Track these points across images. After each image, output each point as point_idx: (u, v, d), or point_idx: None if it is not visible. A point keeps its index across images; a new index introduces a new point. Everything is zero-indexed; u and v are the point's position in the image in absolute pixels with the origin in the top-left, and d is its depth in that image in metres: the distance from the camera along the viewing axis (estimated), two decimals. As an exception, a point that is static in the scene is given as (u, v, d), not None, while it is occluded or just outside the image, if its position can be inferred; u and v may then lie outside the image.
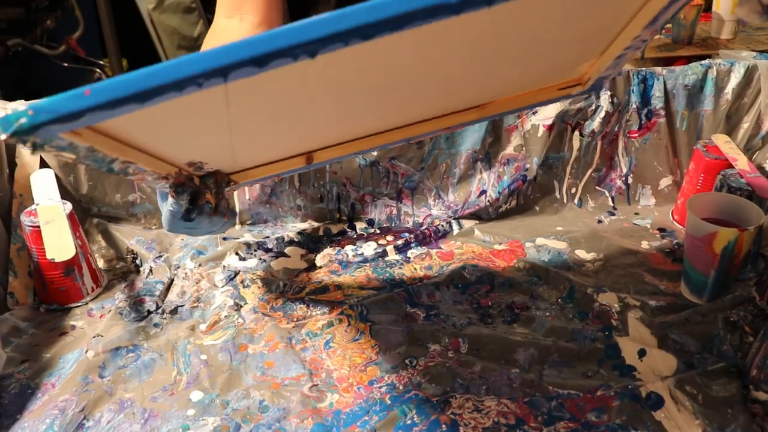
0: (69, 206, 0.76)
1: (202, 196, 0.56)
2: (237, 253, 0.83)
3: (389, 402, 0.60)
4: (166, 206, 0.57)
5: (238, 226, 0.90)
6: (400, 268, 0.80)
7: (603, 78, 0.59)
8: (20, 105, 0.82)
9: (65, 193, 0.85)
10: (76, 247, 0.70)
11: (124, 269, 0.83)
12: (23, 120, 0.33)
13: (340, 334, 0.69)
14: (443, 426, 0.57)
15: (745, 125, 0.88)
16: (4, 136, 0.33)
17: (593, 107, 0.87)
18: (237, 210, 0.89)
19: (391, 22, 0.33)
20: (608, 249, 0.82)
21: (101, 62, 2.14)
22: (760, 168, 0.83)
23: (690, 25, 1.71)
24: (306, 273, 0.81)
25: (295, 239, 0.86)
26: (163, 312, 0.74)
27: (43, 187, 0.77)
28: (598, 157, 0.90)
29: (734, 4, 1.72)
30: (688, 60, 1.67)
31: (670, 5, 0.45)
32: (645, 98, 0.87)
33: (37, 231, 0.72)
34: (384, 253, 0.83)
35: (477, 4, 0.33)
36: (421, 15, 0.33)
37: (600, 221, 0.88)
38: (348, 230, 0.89)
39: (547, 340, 0.67)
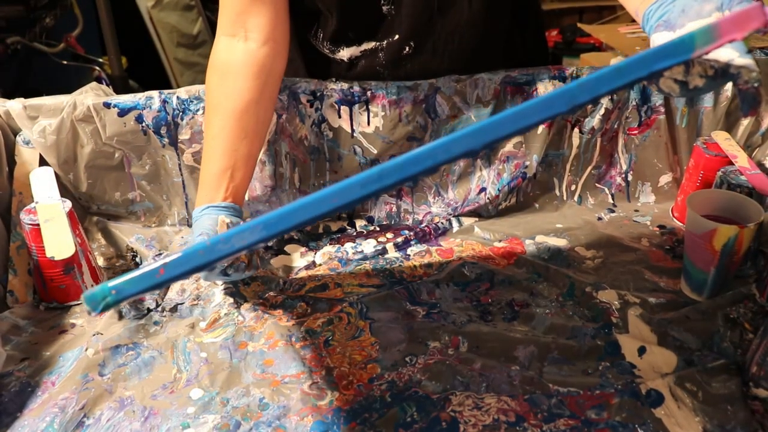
0: (68, 204, 0.76)
1: (238, 258, 0.66)
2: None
3: (389, 399, 0.60)
4: None
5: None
6: (400, 265, 0.80)
7: None
8: (17, 102, 0.82)
9: (65, 191, 0.85)
10: (75, 245, 0.70)
11: (123, 267, 0.83)
12: (108, 299, 0.38)
13: (340, 331, 0.69)
14: (443, 423, 0.57)
15: (745, 122, 0.87)
16: (94, 314, 0.39)
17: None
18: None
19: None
20: (608, 246, 0.82)
21: (100, 60, 2.14)
22: (760, 165, 0.83)
23: (690, 21, 1.71)
24: (306, 270, 0.81)
25: (295, 237, 0.86)
26: (163, 310, 0.74)
27: (42, 185, 0.77)
28: (597, 154, 0.89)
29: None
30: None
31: None
32: (645, 95, 0.87)
33: (36, 229, 0.71)
34: (384, 251, 0.83)
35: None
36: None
37: (600, 218, 0.88)
38: (348, 228, 0.89)
39: (547, 337, 0.67)
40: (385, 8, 0.78)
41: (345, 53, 0.82)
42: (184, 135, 0.85)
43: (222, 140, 0.73)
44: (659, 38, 0.53)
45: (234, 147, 0.73)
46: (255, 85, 0.74)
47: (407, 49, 0.81)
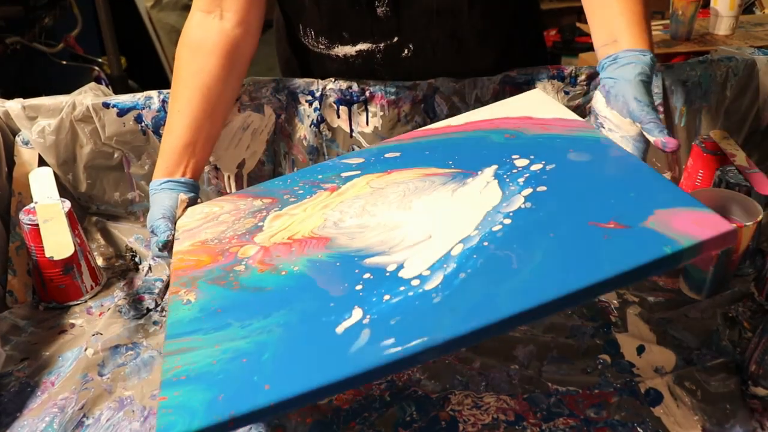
0: (68, 204, 0.76)
1: None
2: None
3: (388, 399, 0.60)
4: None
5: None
6: (399, 265, 0.80)
7: None
8: (16, 102, 0.82)
9: (64, 191, 0.85)
10: (74, 245, 0.70)
11: (123, 267, 0.83)
12: None
13: (340, 331, 0.69)
14: (442, 423, 0.57)
15: (744, 121, 0.88)
16: None
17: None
18: None
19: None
20: (607, 245, 0.81)
21: (100, 60, 2.14)
22: (759, 164, 0.83)
23: (688, 21, 1.71)
24: (305, 270, 0.80)
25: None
26: (162, 310, 0.74)
27: (41, 185, 0.77)
28: (596, 153, 0.89)
29: (733, 1, 1.72)
30: (687, 56, 1.67)
31: None
32: (644, 94, 0.87)
33: (35, 229, 0.71)
34: (383, 251, 0.83)
35: None
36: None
37: (599, 218, 0.88)
38: (347, 227, 0.89)
39: (546, 336, 0.67)
40: (380, 10, 0.78)
41: (340, 50, 0.82)
42: (183, 135, 0.85)
43: (187, 115, 0.74)
44: (598, 98, 0.66)
45: (199, 123, 0.74)
46: (225, 63, 0.76)
47: (406, 51, 0.81)
